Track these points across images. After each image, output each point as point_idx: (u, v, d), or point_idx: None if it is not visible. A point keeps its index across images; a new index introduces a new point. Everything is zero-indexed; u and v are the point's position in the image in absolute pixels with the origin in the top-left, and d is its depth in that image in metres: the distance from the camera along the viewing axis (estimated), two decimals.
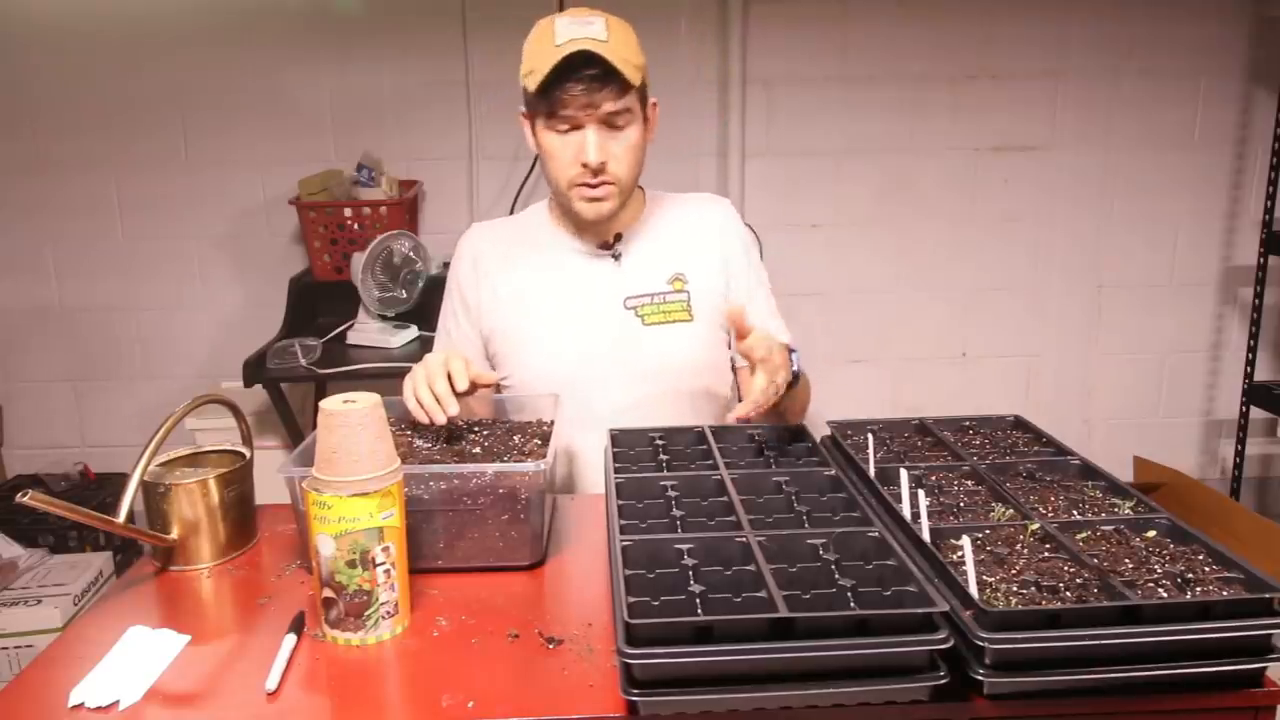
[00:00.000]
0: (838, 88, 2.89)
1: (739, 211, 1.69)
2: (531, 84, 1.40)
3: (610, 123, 1.42)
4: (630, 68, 1.38)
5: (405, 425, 1.34)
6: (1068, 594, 0.91)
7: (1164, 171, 3.00)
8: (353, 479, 0.97)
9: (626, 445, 1.33)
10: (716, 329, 1.58)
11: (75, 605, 2.45)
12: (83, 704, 0.90)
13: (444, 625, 1.04)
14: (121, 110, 2.83)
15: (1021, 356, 3.15)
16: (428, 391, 1.29)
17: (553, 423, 1.34)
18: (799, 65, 2.87)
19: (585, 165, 1.43)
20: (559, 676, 0.93)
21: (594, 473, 1.50)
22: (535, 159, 2.83)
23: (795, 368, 1.39)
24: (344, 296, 2.62)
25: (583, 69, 1.36)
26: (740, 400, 1.67)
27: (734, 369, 1.65)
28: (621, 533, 1.01)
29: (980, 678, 0.85)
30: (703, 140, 2.90)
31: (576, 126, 1.42)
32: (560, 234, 1.59)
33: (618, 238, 1.58)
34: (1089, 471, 1.20)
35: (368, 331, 2.60)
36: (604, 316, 1.55)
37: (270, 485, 1.23)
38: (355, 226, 2.66)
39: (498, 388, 1.62)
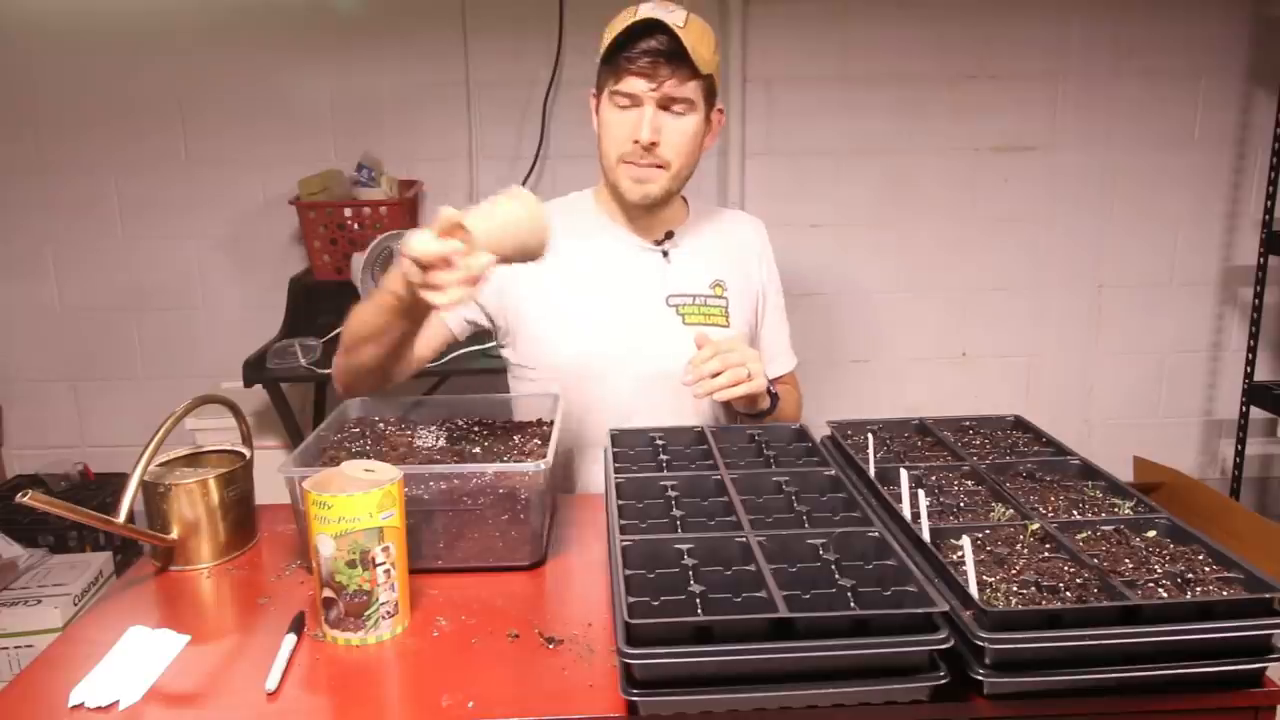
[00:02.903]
0: (838, 88, 2.89)
1: (738, 211, 1.70)
2: (605, 47, 1.42)
3: (669, 107, 1.43)
4: (700, 57, 1.40)
5: (405, 425, 1.34)
6: (1068, 594, 0.91)
7: (1164, 171, 3.00)
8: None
9: (626, 445, 1.32)
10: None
11: (75, 605, 2.45)
12: (83, 704, 0.90)
13: (444, 625, 1.04)
14: (121, 110, 2.82)
15: (1021, 356, 3.15)
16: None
17: (553, 423, 1.33)
18: (799, 65, 2.87)
19: (637, 142, 1.44)
20: (559, 676, 0.93)
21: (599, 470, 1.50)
22: (535, 159, 2.86)
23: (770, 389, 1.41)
24: (344, 296, 2.61)
25: (654, 37, 1.38)
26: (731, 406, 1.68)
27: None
28: (621, 533, 1.01)
29: (980, 678, 0.85)
30: None
31: (637, 104, 1.43)
32: (607, 223, 1.59)
33: (669, 235, 1.58)
34: (1089, 471, 1.20)
35: None
36: (646, 311, 1.54)
37: (270, 485, 1.23)
38: (355, 226, 2.66)
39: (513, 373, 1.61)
